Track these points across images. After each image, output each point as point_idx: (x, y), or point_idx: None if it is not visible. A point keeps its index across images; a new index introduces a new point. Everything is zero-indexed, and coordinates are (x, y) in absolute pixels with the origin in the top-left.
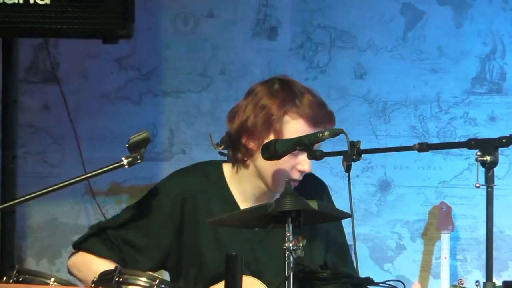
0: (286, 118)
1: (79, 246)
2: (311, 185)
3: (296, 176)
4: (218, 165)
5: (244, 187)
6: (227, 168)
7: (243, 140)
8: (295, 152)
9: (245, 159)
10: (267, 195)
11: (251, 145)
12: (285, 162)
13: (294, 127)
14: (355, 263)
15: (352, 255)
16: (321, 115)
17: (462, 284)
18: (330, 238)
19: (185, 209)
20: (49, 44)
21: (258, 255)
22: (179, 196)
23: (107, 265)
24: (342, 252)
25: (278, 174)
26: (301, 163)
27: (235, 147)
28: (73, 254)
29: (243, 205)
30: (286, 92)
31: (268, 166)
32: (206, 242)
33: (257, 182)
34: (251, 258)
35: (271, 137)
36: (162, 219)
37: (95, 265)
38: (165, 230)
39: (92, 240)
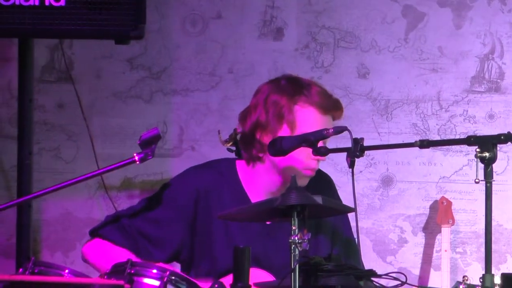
0: (297, 107)
1: (96, 232)
2: (318, 180)
3: (314, 164)
4: (231, 162)
5: (258, 183)
6: (240, 165)
7: (258, 136)
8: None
9: (260, 155)
10: (280, 191)
11: (266, 139)
12: (301, 152)
13: (306, 115)
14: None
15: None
16: (330, 103)
17: (466, 280)
18: (336, 232)
19: (198, 204)
20: (64, 45)
21: (268, 249)
22: (193, 192)
23: (121, 253)
24: (348, 246)
25: (295, 165)
26: None
27: (250, 145)
28: (89, 241)
29: (255, 200)
30: (293, 85)
31: (285, 158)
32: (217, 237)
33: (272, 177)
34: (261, 252)
35: (284, 128)
36: (176, 213)
37: (110, 252)
38: (179, 224)
39: (109, 228)
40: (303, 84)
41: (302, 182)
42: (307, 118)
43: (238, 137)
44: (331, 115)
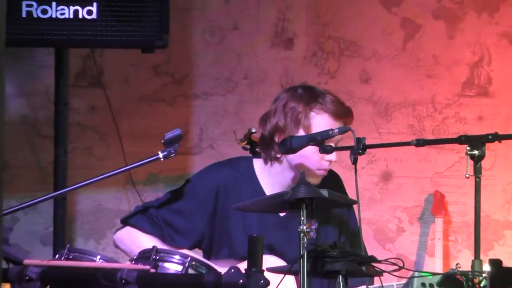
0: (312, 114)
1: (126, 221)
2: (328, 177)
3: (325, 166)
4: (249, 160)
5: (274, 180)
6: (257, 163)
7: (276, 139)
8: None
9: (278, 155)
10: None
11: None
12: (315, 155)
13: (321, 120)
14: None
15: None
16: (343, 110)
17: (460, 268)
18: (343, 224)
19: (218, 198)
20: (96, 54)
21: (282, 240)
22: (214, 186)
23: (149, 240)
24: (354, 236)
25: (309, 165)
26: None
27: (269, 146)
28: (119, 229)
29: None
30: (309, 93)
31: (300, 160)
32: (235, 229)
33: (288, 175)
34: (276, 242)
35: (301, 132)
36: (197, 205)
37: (140, 239)
38: (200, 215)
39: (138, 217)
40: (318, 92)
41: (316, 181)
42: (321, 123)
43: (253, 136)
44: (343, 121)
